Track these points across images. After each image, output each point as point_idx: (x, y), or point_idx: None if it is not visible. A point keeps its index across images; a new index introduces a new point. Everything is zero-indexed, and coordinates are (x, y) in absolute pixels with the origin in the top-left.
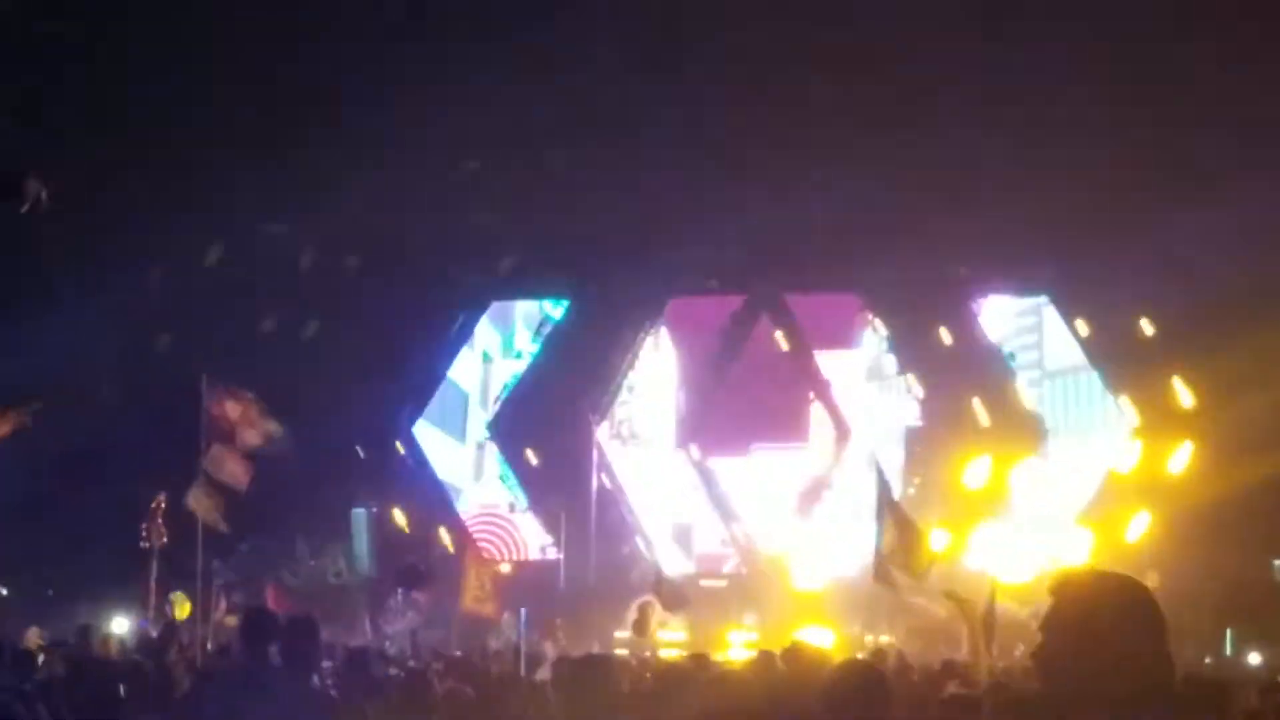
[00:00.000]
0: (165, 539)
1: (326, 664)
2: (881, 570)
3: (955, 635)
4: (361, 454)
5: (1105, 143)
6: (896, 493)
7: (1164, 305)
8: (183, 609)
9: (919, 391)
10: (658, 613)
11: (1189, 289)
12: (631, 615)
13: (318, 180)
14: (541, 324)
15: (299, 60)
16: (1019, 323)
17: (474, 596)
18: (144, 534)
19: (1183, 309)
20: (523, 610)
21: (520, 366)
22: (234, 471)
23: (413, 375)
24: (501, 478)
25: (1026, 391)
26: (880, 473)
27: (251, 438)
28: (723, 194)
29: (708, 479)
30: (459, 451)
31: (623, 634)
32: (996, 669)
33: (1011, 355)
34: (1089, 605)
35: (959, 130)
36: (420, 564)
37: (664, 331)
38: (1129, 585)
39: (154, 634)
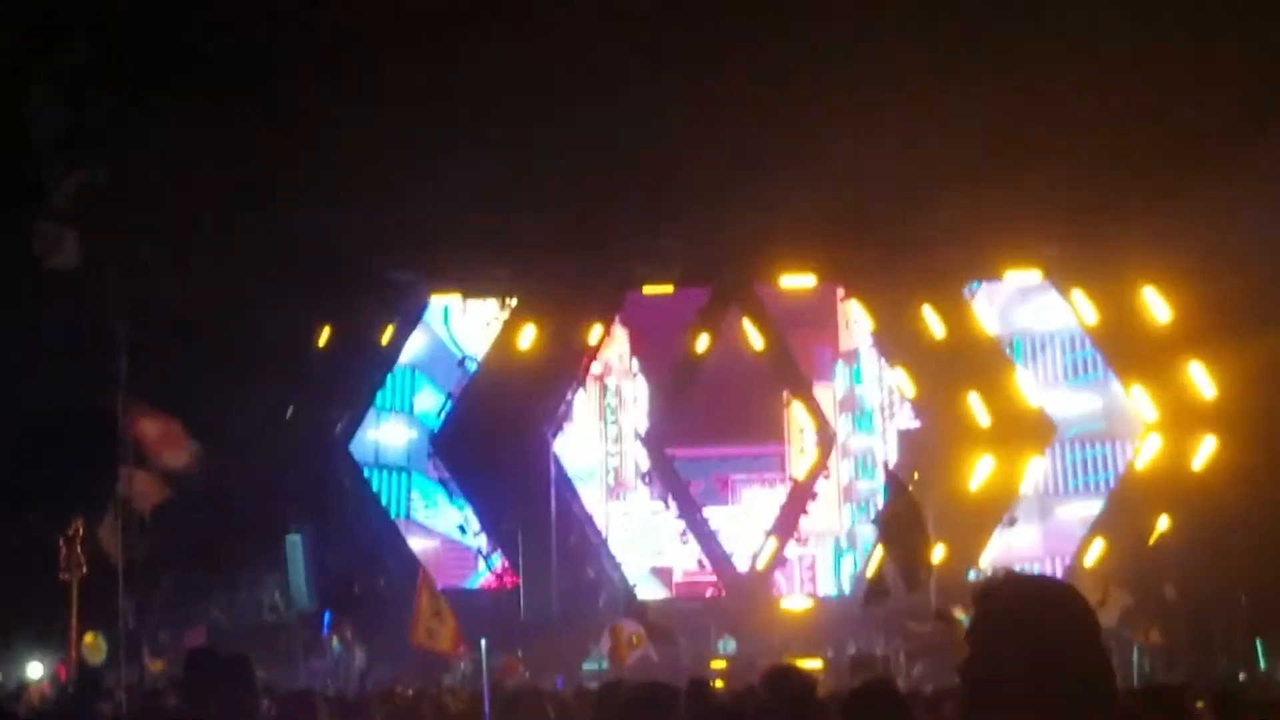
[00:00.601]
0: (85, 570)
1: (265, 706)
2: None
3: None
4: (295, 476)
5: (1112, 109)
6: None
7: (1180, 286)
8: (95, 652)
9: (909, 390)
10: (643, 637)
11: (1208, 268)
12: (603, 641)
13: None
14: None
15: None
16: (1018, 309)
17: (426, 629)
18: (61, 565)
19: (1201, 290)
20: (483, 641)
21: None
22: (145, 491)
23: (346, 387)
24: (449, 497)
25: (1030, 384)
26: (892, 477)
27: (171, 459)
28: (685, 174)
29: (676, 488)
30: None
31: (592, 664)
32: None
33: (1012, 344)
34: (1013, 613)
35: (949, 102)
36: (351, 587)
37: (622, 330)
38: (1054, 589)
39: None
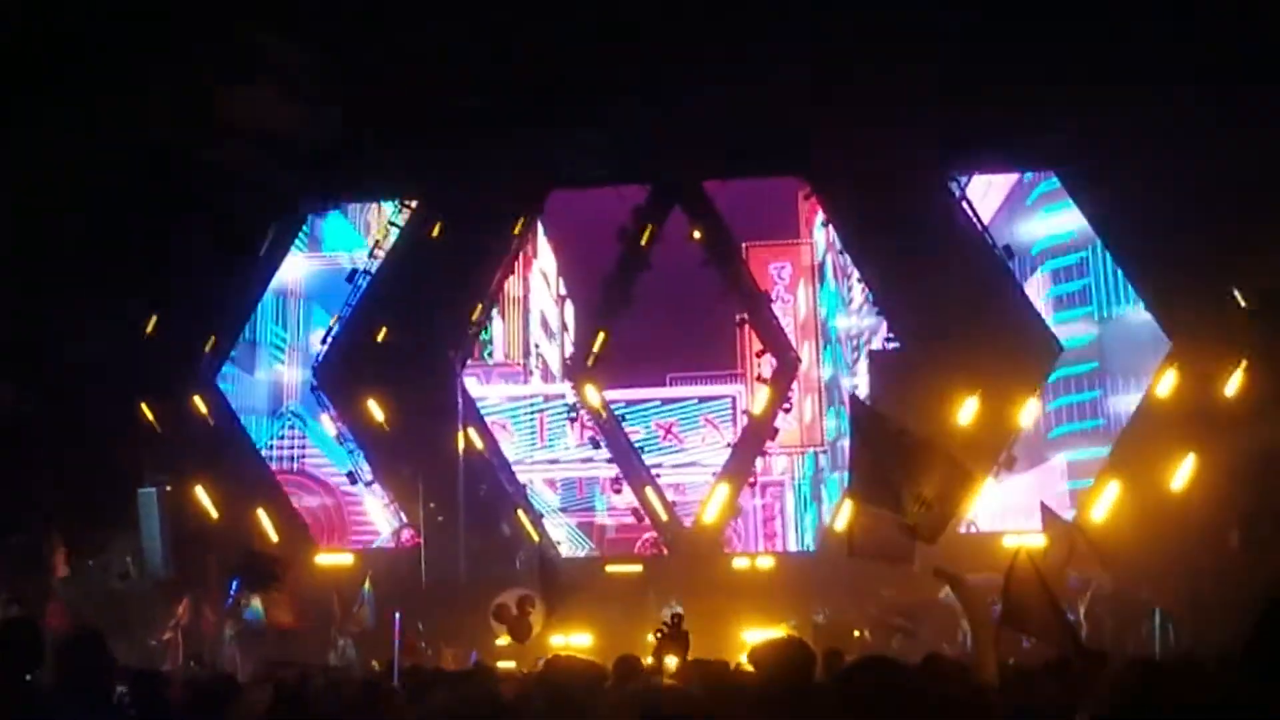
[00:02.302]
0: None
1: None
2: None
3: (949, 626)
4: (148, 415)
5: None
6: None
7: (1212, 183)
8: None
9: (883, 303)
10: (526, 611)
11: (1244, 160)
12: (507, 613)
13: None
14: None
15: None
16: (1014, 208)
17: (272, 600)
18: None
19: (1236, 188)
20: (397, 615)
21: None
22: None
23: (213, 310)
24: (337, 440)
25: (1032, 297)
26: (856, 403)
27: None
28: (618, 46)
29: (609, 429)
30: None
31: (506, 638)
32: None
33: (1007, 250)
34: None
35: None
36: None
37: (543, 236)
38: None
39: None
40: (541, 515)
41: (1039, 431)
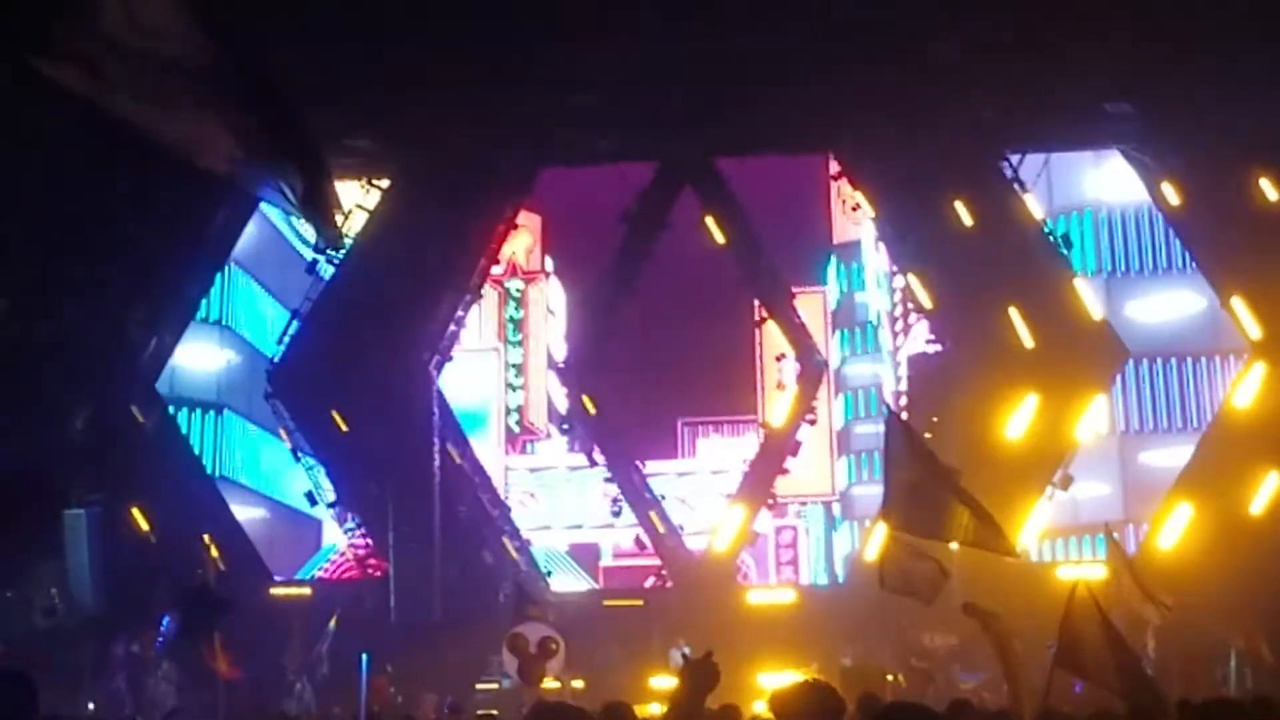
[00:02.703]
0: None
1: None
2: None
3: (975, 663)
4: (79, 425)
5: None
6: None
7: None
8: None
9: (925, 301)
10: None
11: None
12: (523, 648)
13: None
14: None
15: None
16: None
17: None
18: None
19: None
20: (364, 656)
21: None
22: None
23: (154, 303)
24: (294, 454)
25: (1091, 294)
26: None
27: None
28: (622, 11)
29: (610, 448)
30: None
31: (488, 684)
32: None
33: (1065, 240)
34: None
35: None
36: (210, 585)
37: (532, 219)
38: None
39: None
40: (528, 542)
41: (1127, 425)
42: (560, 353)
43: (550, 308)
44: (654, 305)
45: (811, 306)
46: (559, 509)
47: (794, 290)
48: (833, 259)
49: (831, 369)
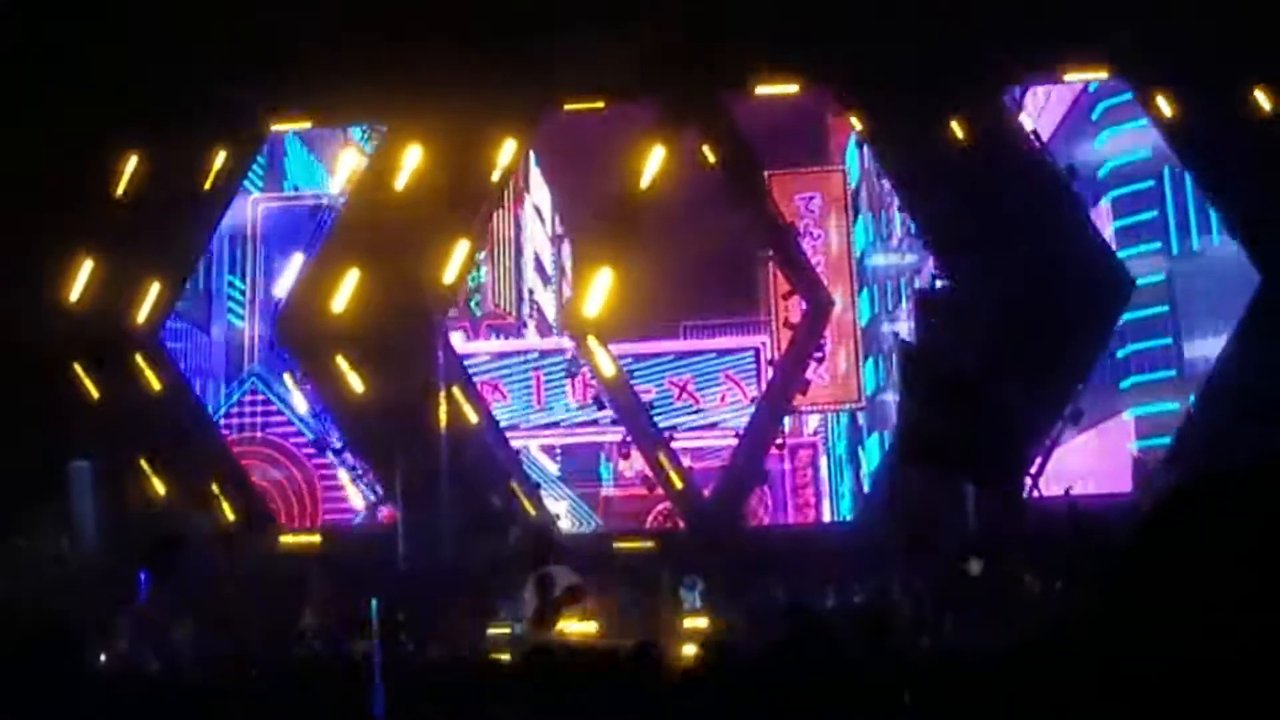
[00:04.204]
0: None
1: None
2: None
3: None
4: (80, 373)
5: None
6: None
7: None
8: None
9: (930, 237)
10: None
11: None
12: (528, 599)
13: None
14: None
15: None
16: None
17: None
18: None
19: None
20: (373, 603)
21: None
22: None
23: (155, 253)
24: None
25: (1100, 225)
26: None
27: None
28: None
29: (616, 385)
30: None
31: (500, 628)
32: None
33: (1071, 171)
34: None
35: None
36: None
37: (535, 166)
38: None
39: None
40: (538, 486)
41: (1105, 383)
42: (547, 257)
43: (563, 266)
44: (658, 247)
45: (831, 188)
46: (530, 404)
47: (809, 170)
48: (853, 140)
49: (853, 259)
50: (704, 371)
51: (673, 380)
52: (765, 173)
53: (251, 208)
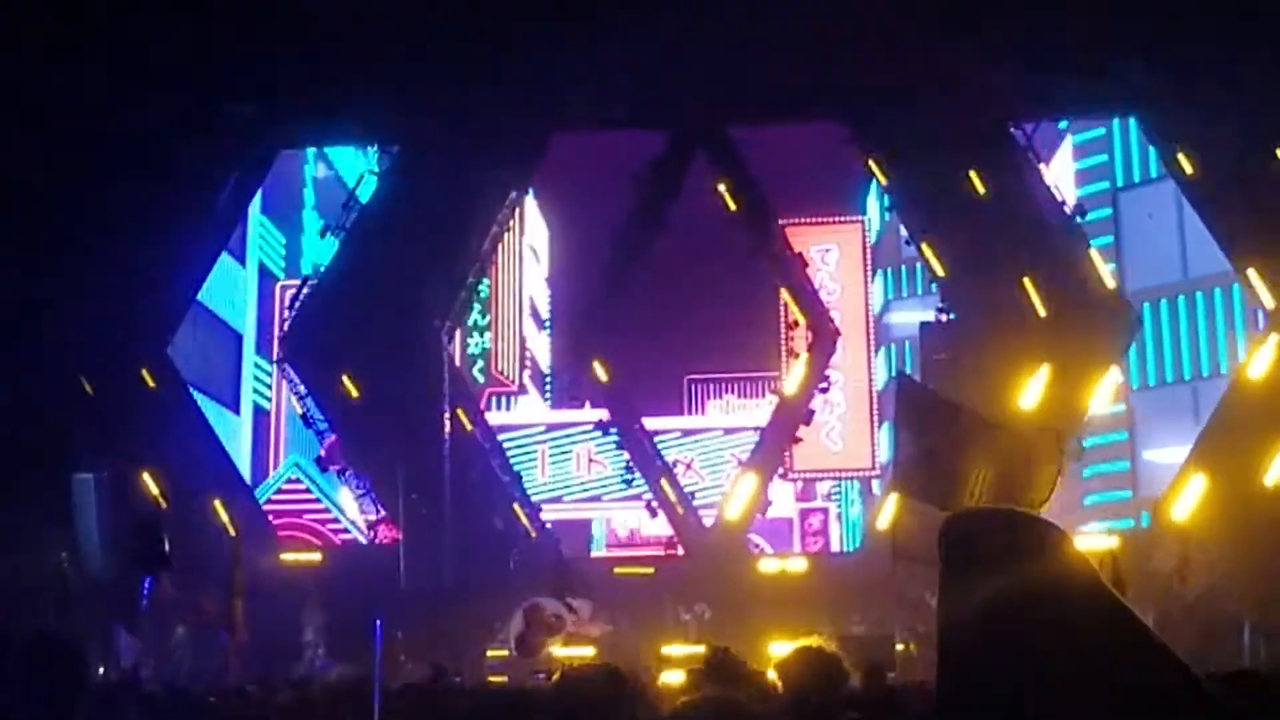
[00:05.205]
0: None
1: None
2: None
3: None
4: (87, 388)
5: None
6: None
7: None
8: None
9: (938, 269)
10: (564, 620)
11: None
12: (514, 625)
13: None
14: (353, 195)
15: None
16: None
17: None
18: None
19: None
20: (378, 623)
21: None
22: None
23: (165, 265)
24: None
25: (1104, 265)
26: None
27: None
28: None
29: (621, 412)
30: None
31: (499, 651)
32: None
33: (1081, 211)
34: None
35: None
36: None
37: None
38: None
39: None
40: (539, 508)
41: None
42: (543, 302)
43: (532, 246)
44: (662, 261)
45: (848, 241)
46: (535, 478)
47: (826, 221)
48: (873, 185)
49: (870, 317)
50: (709, 451)
51: (679, 458)
52: (779, 222)
53: (280, 293)
